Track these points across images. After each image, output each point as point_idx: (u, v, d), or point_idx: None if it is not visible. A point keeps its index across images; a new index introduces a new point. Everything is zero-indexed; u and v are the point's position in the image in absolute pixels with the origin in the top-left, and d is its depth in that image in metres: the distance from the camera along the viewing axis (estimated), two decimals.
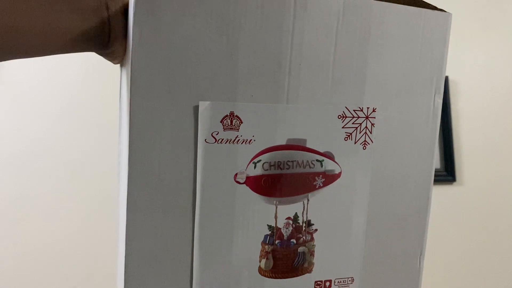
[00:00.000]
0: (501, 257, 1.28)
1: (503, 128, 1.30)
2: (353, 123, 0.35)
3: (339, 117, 0.34)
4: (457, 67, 1.28)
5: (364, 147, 0.35)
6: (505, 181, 1.29)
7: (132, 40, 0.29)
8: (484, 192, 1.28)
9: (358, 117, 0.35)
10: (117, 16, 0.35)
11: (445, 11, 0.36)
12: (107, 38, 0.35)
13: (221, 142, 0.32)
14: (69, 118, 1.19)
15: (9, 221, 1.16)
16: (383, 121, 0.36)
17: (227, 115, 0.32)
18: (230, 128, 0.32)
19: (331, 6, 0.33)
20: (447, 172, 1.27)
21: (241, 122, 0.32)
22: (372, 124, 0.35)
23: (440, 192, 1.27)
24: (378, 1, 0.34)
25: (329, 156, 0.34)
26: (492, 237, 1.28)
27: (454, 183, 1.27)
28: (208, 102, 0.31)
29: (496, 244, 1.28)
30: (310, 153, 0.34)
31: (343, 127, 0.34)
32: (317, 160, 0.34)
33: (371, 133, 0.35)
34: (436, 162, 1.27)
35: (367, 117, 0.35)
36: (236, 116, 0.32)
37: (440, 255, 1.26)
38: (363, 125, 0.35)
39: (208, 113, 0.31)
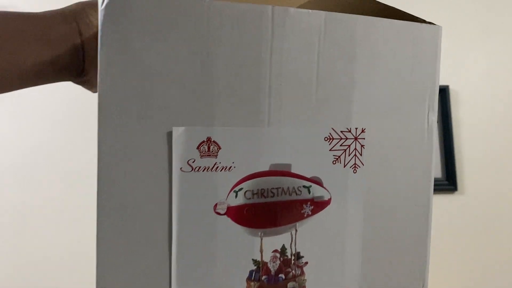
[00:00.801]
0: (504, 267, 1.25)
1: (505, 136, 1.29)
2: (341, 145, 0.32)
3: (326, 139, 0.32)
4: (458, 77, 1.28)
5: (355, 171, 0.33)
6: (507, 190, 1.28)
7: (100, 63, 0.27)
8: (486, 201, 1.27)
9: (347, 138, 0.32)
10: (91, 42, 0.33)
11: (435, 24, 0.35)
12: (81, 66, 0.33)
13: (198, 170, 0.29)
14: (70, 125, 1.20)
15: (10, 226, 1.16)
16: (374, 142, 0.33)
17: (203, 141, 0.29)
18: (207, 155, 0.30)
19: (311, 22, 0.31)
20: (448, 181, 1.26)
21: (220, 148, 0.30)
22: (362, 146, 0.33)
23: (441, 202, 1.25)
24: (363, 16, 0.32)
25: (317, 181, 0.32)
26: (495, 247, 1.26)
27: (456, 192, 1.26)
28: (182, 128, 0.29)
29: (498, 254, 1.26)
30: (296, 179, 0.31)
31: (330, 150, 0.32)
32: (304, 186, 0.32)
33: (361, 155, 0.33)
34: (437, 171, 1.25)
35: (356, 138, 0.32)
36: (214, 141, 0.30)
37: (441, 265, 1.22)
38: (352, 147, 0.32)
39: (183, 140, 0.29)
